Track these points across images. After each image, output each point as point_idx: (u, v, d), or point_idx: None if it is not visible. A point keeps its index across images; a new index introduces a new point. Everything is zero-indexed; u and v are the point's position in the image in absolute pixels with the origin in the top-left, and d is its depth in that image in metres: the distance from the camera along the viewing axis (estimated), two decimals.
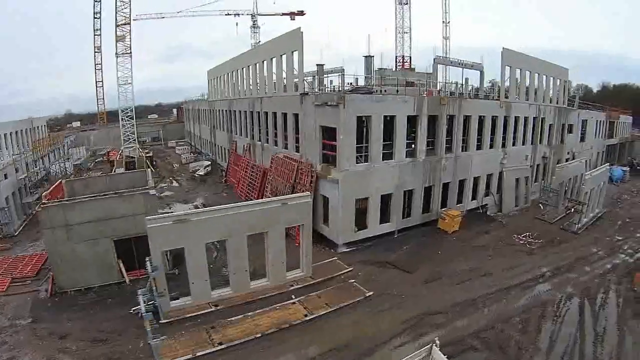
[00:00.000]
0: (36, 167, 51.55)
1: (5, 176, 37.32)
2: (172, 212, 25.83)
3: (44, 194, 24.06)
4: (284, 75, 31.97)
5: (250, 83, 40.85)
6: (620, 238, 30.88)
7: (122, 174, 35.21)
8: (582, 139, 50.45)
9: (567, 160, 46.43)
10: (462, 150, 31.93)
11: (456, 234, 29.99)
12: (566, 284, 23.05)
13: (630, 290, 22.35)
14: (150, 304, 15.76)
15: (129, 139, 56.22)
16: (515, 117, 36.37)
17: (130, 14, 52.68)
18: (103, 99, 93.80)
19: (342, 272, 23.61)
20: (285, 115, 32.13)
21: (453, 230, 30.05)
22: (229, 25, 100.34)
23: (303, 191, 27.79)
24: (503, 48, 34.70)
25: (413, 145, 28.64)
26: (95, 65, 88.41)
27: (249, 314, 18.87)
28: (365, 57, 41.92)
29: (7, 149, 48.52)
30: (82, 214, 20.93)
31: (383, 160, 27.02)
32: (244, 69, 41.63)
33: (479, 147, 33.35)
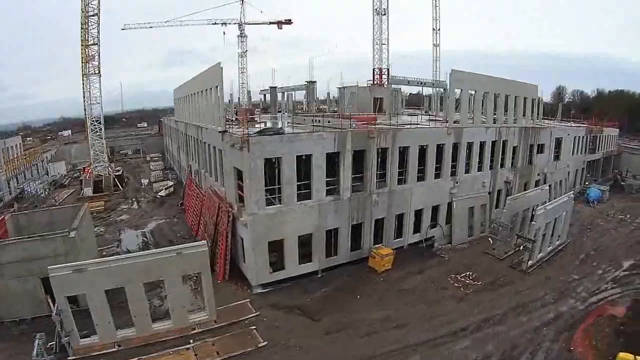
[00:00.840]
0: (9, 186, 51.72)
1: None
2: (78, 263, 24.79)
3: None
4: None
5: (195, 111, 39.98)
6: (576, 277, 28.80)
7: (63, 208, 34.39)
8: (557, 158, 48.10)
9: (537, 182, 44.38)
10: (399, 184, 30.18)
11: (386, 274, 28.27)
12: (489, 340, 20.98)
13: (566, 350, 20.08)
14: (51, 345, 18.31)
15: (99, 158, 55.82)
16: (468, 142, 34.41)
17: (98, 35, 52.32)
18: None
19: (247, 316, 22.90)
20: (215, 148, 30.99)
21: (384, 269, 28.37)
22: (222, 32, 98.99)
23: (223, 229, 27.01)
24: (452, 70, 32.94)
25: (336, 184, 27.14)
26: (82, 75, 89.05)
27: (143, 357, 19.21)
28: (308, 82, 40.30)
29: None
30: (9, 254, 22.26)
31: (298, 201, 25.62)
32: (188, 96, 40.75)
33: (420, 179, 31.53)
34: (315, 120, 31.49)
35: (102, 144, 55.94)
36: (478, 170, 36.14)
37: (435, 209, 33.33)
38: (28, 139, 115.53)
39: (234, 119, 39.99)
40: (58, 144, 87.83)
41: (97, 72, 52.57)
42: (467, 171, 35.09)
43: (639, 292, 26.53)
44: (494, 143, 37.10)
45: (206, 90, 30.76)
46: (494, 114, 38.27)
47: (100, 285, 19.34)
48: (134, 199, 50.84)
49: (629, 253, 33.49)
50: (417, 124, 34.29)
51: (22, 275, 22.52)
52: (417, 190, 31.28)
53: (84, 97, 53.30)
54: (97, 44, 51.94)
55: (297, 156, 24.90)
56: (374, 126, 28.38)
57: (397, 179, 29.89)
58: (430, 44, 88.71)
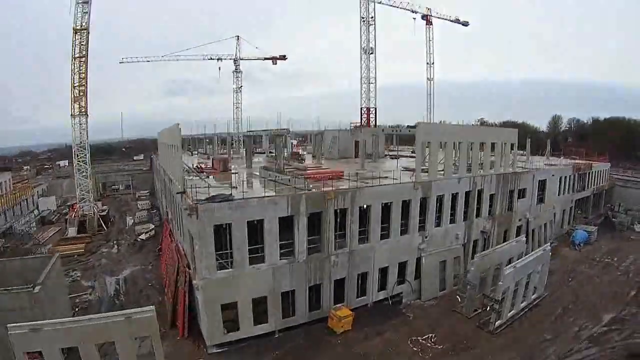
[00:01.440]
0: None
1: None
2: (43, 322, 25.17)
3: None
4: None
5: None
6: (549, 337, 27.94)
7: (35, 258, 34.38)
8: (541, 201, 47.31)
9: (519, 228, 43.69)
10: (361, 243, 29.70)
11: (344, 336, 27.63)
12: None
13: None
14: None
15: (85, 197, 56.30)
16: (439, 196, 33.96)
17: (86, 74, 53.47)
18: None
19: None
20: (178, 205, 31.02)
21: (342, 330, 27.77)
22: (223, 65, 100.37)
23: (182, 289, 26.99)
24: (418, 123, 32.85)
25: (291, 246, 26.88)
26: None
27: None
28: (275, 133, 40.38)
29: None
30: None
31: (251, 264, 25.45)
32: (164, 144, 41.13)
33: (385, 236, 31.02)
34: (278, 178, 31.55)
35: (89, 183, 56.40)
36: (450, 223, 35.54)
37: (402, 265, 32.67)
38: (25, 167, 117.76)
39: (202, 172, 40.45)
40: (51, 177, 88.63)
41: (83, 112, 53.51)
42: (437, 225, 34.51)
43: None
44: (468, 193, 36.62)
45: (171, 145, 30.97)
46: (468, 163, 37.83)
47: (55, 344, 19.64)
48: (115, 242, 50.88)
49: (610, 304, 32.66)
50: (384, 179, 33.68)
51: None
52: (381, 249, 30.74)
53: (72, 137, 54.15)
54: (84, 85, 52.99)
55: (248, 221, 24.83)
56: (331, 188, 27.80)
57: (357, 238, 29.43)
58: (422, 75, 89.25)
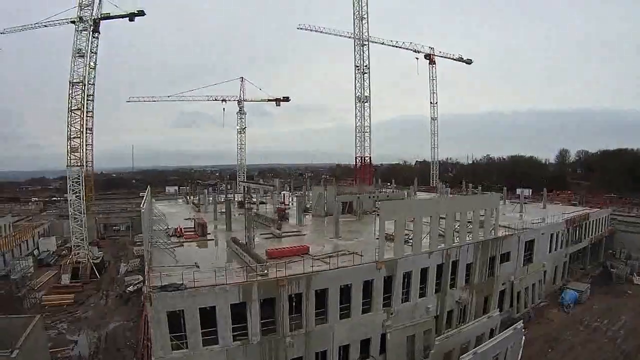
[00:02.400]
0: None
1: None
2: None
3: None
4: None
5: None
6: None
7: (18, 318, 35.16)
8: (529, 261, 46.39)
9: (502, 292, 42.95)
10: (318, 324, 29.64)
11: None
12: None
13: None
14: None
15: (79, 245, 57.94)
16: (405, 273, 33.55)
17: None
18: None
19: None
20: None
21: None
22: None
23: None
24: (380, 203, 32.67)
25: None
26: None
27: None
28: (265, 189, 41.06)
29: None
30: None
31: (205, 346, 25.97)
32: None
33: (345, 316, 30.83)
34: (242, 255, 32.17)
35: (83, 232, 57.89)
36: (420, 297, 35.03)
37: (365, 342, 32.29)
38: (33, 200, 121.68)
39: (181, 235, 41.57)
40: (53, 217, 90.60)
41: (78, 164, 55.35)
42: (405, 299, 34.08)
43: None
44: (440, 266, 36.14)
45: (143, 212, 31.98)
46: (441, 234, 37.08)
47: None
48: (104, 292, 52.19)
49: None
50: (341, 262, 33.19)
51: None
52: (341, 328, 30.54)
53: (68, 185, 55.83)
54: (79, 137, 54.87)
55: (200, 308, 25.46)
56: (284, 276, 27.96)
57: (314, 319, 29.37)
58: (423, 111, 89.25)
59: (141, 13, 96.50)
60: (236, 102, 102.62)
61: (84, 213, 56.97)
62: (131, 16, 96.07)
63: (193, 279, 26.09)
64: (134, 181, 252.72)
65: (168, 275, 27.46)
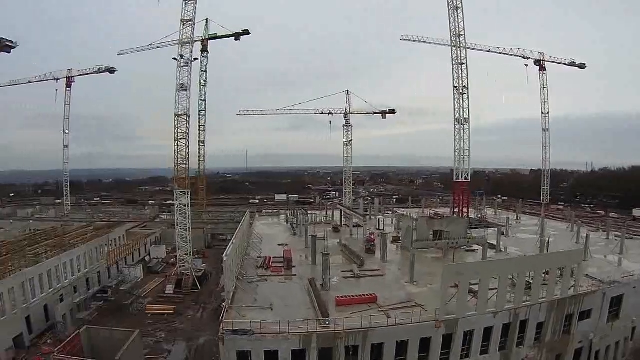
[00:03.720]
0: (109, 274, 63.57)
1: (62, 299, 52.07)
2: None
3: (57, 349, 34.42)
4: None
5: None
6: None
7: (122, 331, 40.07)
8: (615, 317, 42.69)
9: (578, 351, 40.51)
10: None
11: None
12: None
13: None
14: None
15: (183, 258, 65.54)
16: (467, 331, 33.95)
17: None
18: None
19: None
20: None
21: None
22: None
23: None
24: (446, 265, 33.59)
25: None
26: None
27: None
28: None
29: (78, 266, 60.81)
30: None
31: None
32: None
33: None
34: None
35: (188, 247, 65.44)
36: (482, 354, 35.09)
37: None
38: (150, 202, 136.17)
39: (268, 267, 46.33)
40: (165, 224, 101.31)
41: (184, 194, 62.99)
42: (465, 356, 34.48)
43: None
44: (507, 325, 35.59)
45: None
46: (510, 294, 36.23)
47: None
48: (202, 305, 58.78)
49: None
50: (409, 308, 34.86)
51: None
52: None
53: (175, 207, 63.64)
54: (185, 164, 62.22)
55: (265, 351, 29.47)
56: (342, 329, 30.62)
57: None
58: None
59: (246, 32, 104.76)
60: (342, 115, 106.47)
61: (189, 231, 64.47)
62: (237, 35, 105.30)
63: (260, 325, 29.97)
64: (247, 184, 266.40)
65: (243, 317, 31.71)
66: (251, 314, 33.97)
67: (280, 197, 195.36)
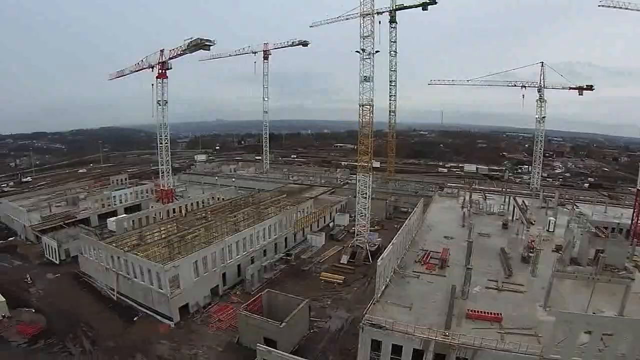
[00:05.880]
0: (294, 239, 78.86)
1: (252, 260, 67.41)
2: None
3: (242, 306, 49.76)
4: None
5: None
6: None
7: (295, 298, 56.74)
8: None
9: None
10: None
11: None
12: None
13: None
14: None
15: (360, 232, 77.96)
16: None
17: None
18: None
19: None
20: None
21: None
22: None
23: None
24: (559, 312, 36.98)
25: None
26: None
27: None
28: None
29: (269, 234, 76.07)
30: (251, 326, 47.16)
31: None
32: None
33: None
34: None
35: (366, 223, 76.41)
36: None
37: None
38: (343, 162, 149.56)
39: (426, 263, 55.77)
40: (351, 193, 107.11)
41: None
42: None
43: None
44: None
45: None
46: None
47: None
48: (369, 279, 65.11)
49: None
50: (514, 342, 38.95)
51: None
52: None
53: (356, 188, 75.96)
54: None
55: (392, 344, 39.91)
56: (456, 342, 38.25)
57: None
58: None
59: (433, 2, 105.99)
60: (536, 89, 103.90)
61: (368, 210, 74.88)
62: (424, 5, 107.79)
63: (392, 322, 40.33)
64: (441, 145, 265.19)
65: (385, 311, 42.42)
66: (392, 309, 44.40)
67: (470, 167, 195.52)
